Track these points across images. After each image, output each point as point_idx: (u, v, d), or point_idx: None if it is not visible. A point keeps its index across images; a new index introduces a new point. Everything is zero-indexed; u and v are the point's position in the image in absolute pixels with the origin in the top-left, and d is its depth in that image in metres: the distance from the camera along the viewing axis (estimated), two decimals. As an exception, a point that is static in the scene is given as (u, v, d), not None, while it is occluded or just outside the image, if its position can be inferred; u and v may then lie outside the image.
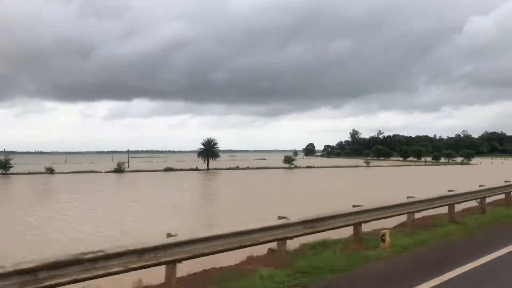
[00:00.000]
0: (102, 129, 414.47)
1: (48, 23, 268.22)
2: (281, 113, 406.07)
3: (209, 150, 76.98)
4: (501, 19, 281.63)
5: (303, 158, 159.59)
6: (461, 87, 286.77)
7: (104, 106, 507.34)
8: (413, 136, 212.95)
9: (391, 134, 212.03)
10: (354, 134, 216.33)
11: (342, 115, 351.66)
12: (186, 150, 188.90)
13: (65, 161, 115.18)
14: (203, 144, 78.03)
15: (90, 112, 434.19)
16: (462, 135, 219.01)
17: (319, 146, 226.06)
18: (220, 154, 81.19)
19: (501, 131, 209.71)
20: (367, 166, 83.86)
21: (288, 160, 79.87)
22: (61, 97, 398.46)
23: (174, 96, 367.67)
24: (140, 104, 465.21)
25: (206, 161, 74.41)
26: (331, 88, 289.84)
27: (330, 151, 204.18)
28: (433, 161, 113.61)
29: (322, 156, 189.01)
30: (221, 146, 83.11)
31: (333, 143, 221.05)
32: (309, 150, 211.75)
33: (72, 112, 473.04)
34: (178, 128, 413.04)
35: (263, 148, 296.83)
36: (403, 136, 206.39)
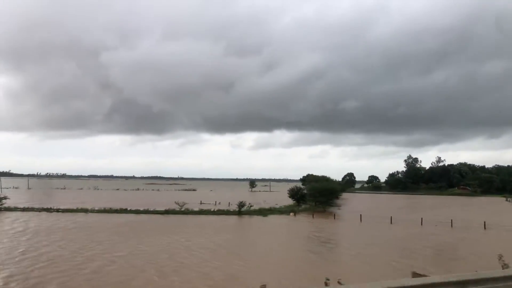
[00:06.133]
0: (249, 158, 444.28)
1: (197, 62, 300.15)
2: (425, 144, 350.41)
3: None
4: None
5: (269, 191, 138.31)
6: None
7: (249, 137, 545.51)
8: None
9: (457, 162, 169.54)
10: (411, 163, 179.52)
11: (502, 146, 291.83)
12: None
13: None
14: None
15: (239, 143, 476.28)
16: None
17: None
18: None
19: None
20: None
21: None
22: (211, 129, 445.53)
23: (309, 127, 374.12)
24: (282, 135, 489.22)
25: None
26: (484, 115, 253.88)
27: (375, 184, 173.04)
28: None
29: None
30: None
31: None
32: (348, 182, 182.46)
33: (223, 142, 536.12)
34: (318, 158, 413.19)
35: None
36: (470, 165, 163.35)
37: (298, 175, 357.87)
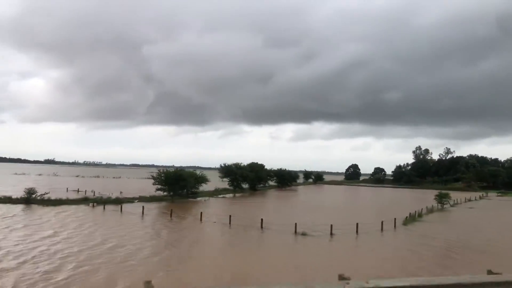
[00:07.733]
0: (288, 149, 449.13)
1: (237, 54, 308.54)
2: (474, 136, 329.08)
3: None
4: None
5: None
6: None
7: (288, 129, 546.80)
8: None
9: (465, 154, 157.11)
10: (420, 154, 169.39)
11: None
12: (367, 172, 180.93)
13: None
14: None
15: (278, 135, 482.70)
16: None
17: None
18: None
19: None
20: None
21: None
22: (250, 120, 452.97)
23: (348, 118, 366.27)
24: (321, 127, 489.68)
25: None
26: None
27: (377, 177, 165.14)
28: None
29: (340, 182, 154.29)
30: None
31: None
32: (352, 174, 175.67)
33: (262, 134, 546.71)
34: (361, 150, 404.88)
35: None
36: (481, 158, 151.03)
37: (342, 168, 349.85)
